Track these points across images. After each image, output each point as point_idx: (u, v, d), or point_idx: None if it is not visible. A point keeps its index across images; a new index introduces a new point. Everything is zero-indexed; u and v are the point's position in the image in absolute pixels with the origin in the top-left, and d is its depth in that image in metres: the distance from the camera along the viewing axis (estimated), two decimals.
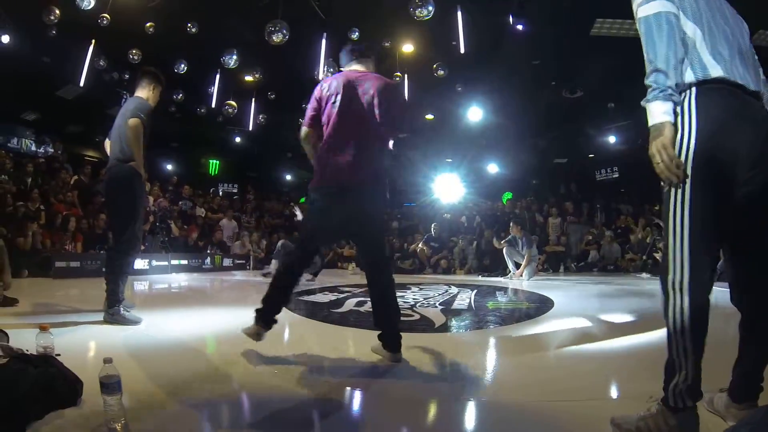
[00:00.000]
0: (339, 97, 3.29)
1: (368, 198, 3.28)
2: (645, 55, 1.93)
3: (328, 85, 3.39)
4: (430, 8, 8.12)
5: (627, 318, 5.39)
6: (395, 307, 3.42)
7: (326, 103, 3.35)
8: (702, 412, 2.00)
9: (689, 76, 1.91)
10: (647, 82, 1.91)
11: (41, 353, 2.54)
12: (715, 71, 1.88)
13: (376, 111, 3.29)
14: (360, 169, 3.22)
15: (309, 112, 3.46)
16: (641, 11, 1.95)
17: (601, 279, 10.79)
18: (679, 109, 1.92)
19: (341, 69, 3.62)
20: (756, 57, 2.08)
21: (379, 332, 3.35)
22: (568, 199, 16.15)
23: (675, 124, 1.90)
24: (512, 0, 9.23)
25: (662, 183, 1.94)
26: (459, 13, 9.35)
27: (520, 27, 9.49)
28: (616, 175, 18.17)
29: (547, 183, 18.86)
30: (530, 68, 12.25)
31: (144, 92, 4.74)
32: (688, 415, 1.92)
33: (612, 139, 16.36)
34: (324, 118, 3.37)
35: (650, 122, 1.90)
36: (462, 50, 9.83)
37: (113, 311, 4.30)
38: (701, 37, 1.92)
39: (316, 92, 3.44)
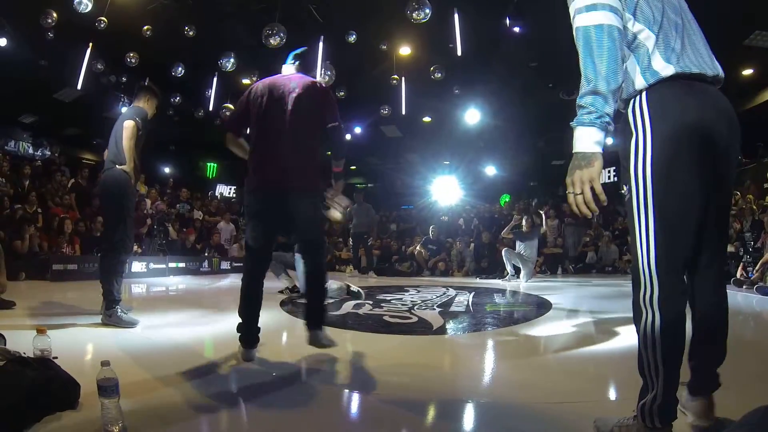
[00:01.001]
0: (265, 99, 3.35)
1: (297, 194, 3.31)
2: (582, 69, 1.75)
3: (255, 88, 3.46)
4: (427, 11, 8.14)
5: (624, 320, 5.39)
6: (323, 287, 3.56)
7: (254, 106, 3.40)
8: (680, 420, 1.94)
9: (640, 83, 1.82)
10: (582, 101, 1.74)
11: (38, 356, 2.54)
12: (668, 71, 1.78)
13: (304, 108, 3.35)
14: (287, 168, 3.27)
15: (232, 115, 3.68)
16: (580, 20, 1.77)
17: (599, 281, 10.81)
18: (630, 113, 1.85)
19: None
20: (699, 28, 1.95)
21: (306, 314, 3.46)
22: (565, 200, 16.13)
23: (628, 131, 1.84)
24: (509, 2, 9.25)
25: (622, 190, 1.90)
26: (456, 16, 9.37)
27: (517, 29, 9.51)
28: (614, 177, 18.18)
29: (545, 185, 18.88)
30: (527, 70, 12.28)
31: (140, 103, 4.84)
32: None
33: (609, 140, 16.36)
34: (252, 120, 3.44)
35: (577, 148, 1.75)
36: (459, 52, 9.85)
37: (110, 312, 4.31)
38: (654, 41, 1.80)
39: (243, 97, 3.52)
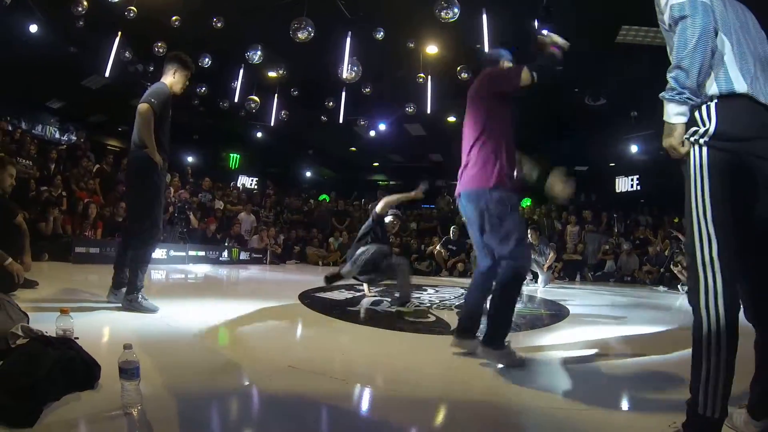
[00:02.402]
0: None
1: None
2: (674, 43, 1.93)
3: None
4: (456, 10, 8.08)
5: (640, 330, 5.33)
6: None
7: None
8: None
9: (713, 89, 1.90)
10: (668, 76, 1.94)
11: (61, 336, 2.57)
12: (741, 86, 1.87)
13: None
14: None
15: None
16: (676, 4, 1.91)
17: (618, 290, 10.68)
18: (697, 114, 1.93)
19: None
20: None
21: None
22: (587, 207, 16.02)
23: (695, 122, 1.93)
24: (539, 4, 9.17)
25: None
26: (484, 16, 9.31)
27: (545, 32, 9.42)
28: (637, 185, 17.99)
29: None
30: (554, 73, 12.16)
31: (167, 78, 4.66)
32: None
33: (633, 148, 16.20)
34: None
35: (665, 118, 1.97)
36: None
37: (131, 298, 4.33)
38: (730, 49, 1.90)
39: None
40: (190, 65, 4.76)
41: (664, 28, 2.04)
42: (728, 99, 1.88)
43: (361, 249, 5.89)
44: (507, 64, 3.66)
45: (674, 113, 1.93)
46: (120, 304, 4.41)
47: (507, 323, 3.30)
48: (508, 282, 3.26)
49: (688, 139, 1.94)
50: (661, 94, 1.96)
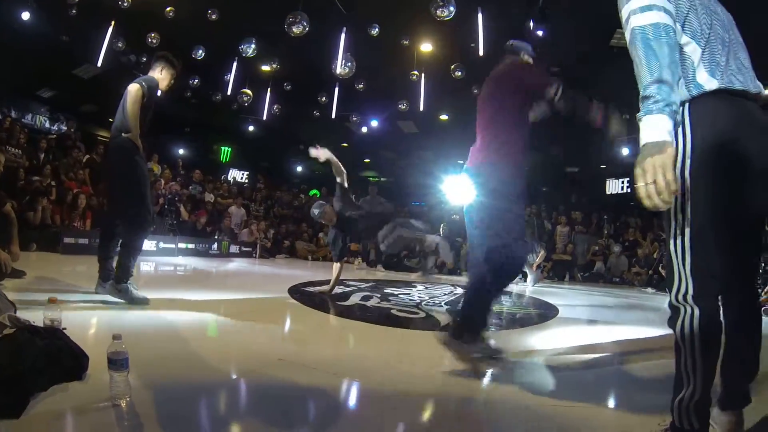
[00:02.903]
0: None
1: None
2: (642, 66, 1.72)
3: None
4: (452, 9, 8.09)
5: (627, 330, 5.36)
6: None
7: None
8: None
9: (683, 95, 1.82)
10: (647, 92, 1.68)
11: (48, 326, 2.55)
12: (712, 85, 1.80)
13: None
14: None
15: None
16: (635, 20, 1.75)
17: (607, 290, 10.74)
18: (679, 121, 1.83)
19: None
20: (744, 45, 1.98)
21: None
22: (577, 208, 16.10)
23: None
24: (534, 5, 9.19)
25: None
26: (480, 15, 9.32)
27: (540, 33, 9.44)
28: (627, 188, 18.08)
29: (557, 191, 18.79)
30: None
31: (154, 73, 4.64)
32: None
33: (625, 150, 16.26)
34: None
35: (647, 138, 1.66)
36: (481, 53, 9.80)
37: (121, 287, 4.23)
38: (700, 54, 1.83)
39: None
40: (176, 65, 4.75)
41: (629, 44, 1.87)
42: (700, 100, 1.82)
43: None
44: (527, 58, 3.67)
45: (666, 129, 1.63)
46: (109, 296, 4.29)
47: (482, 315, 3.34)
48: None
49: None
50: (642, 112, 1.70)
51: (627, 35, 1.81)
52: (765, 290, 7.85)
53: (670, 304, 1.91)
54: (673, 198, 1.63)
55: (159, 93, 4.74)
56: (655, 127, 1.65)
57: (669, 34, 1.71)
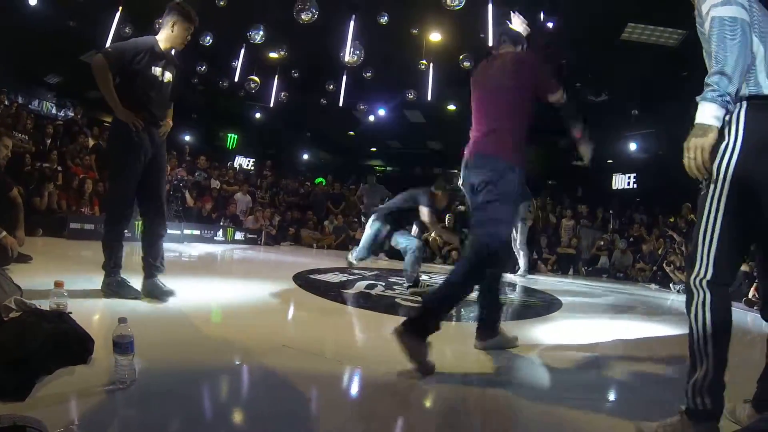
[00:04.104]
0: None
1: None
2: (713, 54, 1.90)
3: None
4: None
5: (631, 325, 5.36)
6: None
7: None
8: (724, 423, 2.02)
9: (743, 90, 1.92)
10: (709, 80, 1.89)
11: (54, 309, 2.55)
12: None
13: None
14: None
15: None
16: (716, 11, 1.91)
17: (610, 285, 10.71)
18: (727, 118, 1.93)
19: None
20: None
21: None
22: (583, 202, 16.06)
23: (721, 133, 1.92)
24: None
25: (700, 185, 2.00)
26: (490, 5, 9.25)
27: (550, 24, 9.39)
28: (633, 183, 18.02)
29: (563, 184, 18.73)
30: (557, 67, 12.13)
31: (164, 32, 4.05)
32: (709, 428, 1.95)
33: (632, 146, 16.21)
34: None
35: (698, 120, 1.91)
36: (490, 43, 9.72)
37: (108, 281, 3.94)
38: (763, 54, 1.93)
39: None
40: (192, 17, 4.08)
41: (702, 32, 2.05)
42: (758, 102, 1.91)
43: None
44: (525, 51, 3.62)
45: (713, 115, 1.87)
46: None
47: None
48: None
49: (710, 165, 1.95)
50: (700, 97, 1.91)
51: (706, 23, 1.96)
52: (753, 287, 7.86)
53: (687, 287, 2.02)
54: (706, 172, 1.92)
55: (174, 51, 4.14)
56: (706, 112, 1.89)
57: (744, 29, 1.87)
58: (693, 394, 1.95)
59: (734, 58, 1.84)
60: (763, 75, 1.91)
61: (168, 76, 4.05)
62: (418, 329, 2.80)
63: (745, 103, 1.92)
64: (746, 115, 1.91)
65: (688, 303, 2.00)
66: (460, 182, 3.42)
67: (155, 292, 3.97)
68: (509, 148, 3.18)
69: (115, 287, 3.91)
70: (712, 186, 1.94)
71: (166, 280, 4.10)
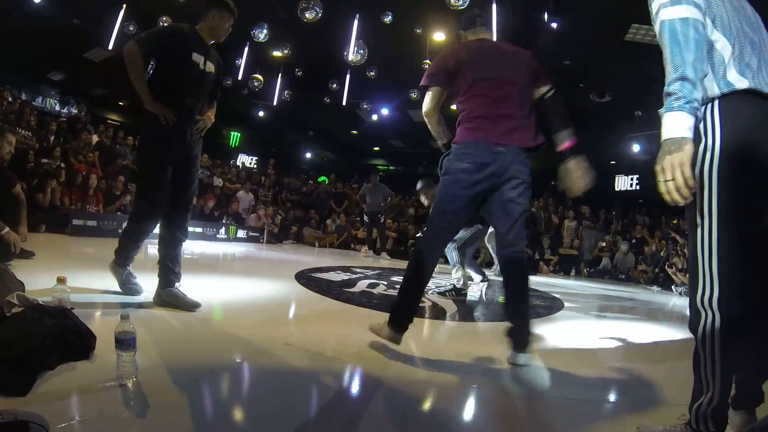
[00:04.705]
0: None
1: None
2: (668, 60, 1.73)
3: None
4: None
5: (632, 326, 5.35)
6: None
7: None
8: None
9: (712, 90, 1.80)
10: (670, 89, 1.70)
11: (56, 305, 2.55)
12: (742, 84, 1.78)
13: None
14: None
15: None
16: (665, 13, 1.76)
17: (612, 287, 10.72)
18: (700, 121, 1.81)
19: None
20: None
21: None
22: (585, 203, 16.05)
23: (697, 136, 1.77)
24: None
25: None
26: (494, 5, 9.24)
27: (554, 25, 9.38)
28: (636, 185, 18.00)
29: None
30: (560, 68, 12.11)
31: (203, 24, 3.83)
32: None
33: (635, 147, 16.19)
34: None
35: (667, 135, 1.70)
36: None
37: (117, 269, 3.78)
38: (730, 52, 1.81)
39: None
40: (234, 10, 3.90)
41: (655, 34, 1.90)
42: (730, 98, 1.79)
43: None
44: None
45: (685, 126, 1.66)
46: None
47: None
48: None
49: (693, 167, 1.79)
50: (663, 109, 1.72)
51: (656, 27, 1.81)
52: None
53: (692, 308, 1.85)
54: (691, 193, 1.67)
55: (213, 42, 3.88)
56: (675, 124, 1.68)
57: (698, 29, 1.71)
58: (696, 418, 1.85)
59: (692, 62, 1.68)
60: (733, 72, 1.79)
61: (211, 66, 3.77)
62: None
63: (717, 101, 1.79)
64: (720, 113, 1.78)
65: (694, 324, 1.84)
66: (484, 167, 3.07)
67: (177, 304, 3.60)
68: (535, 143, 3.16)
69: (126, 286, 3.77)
70: (699, 193, 1.79)
71: None
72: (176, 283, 3.73)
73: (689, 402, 1.91)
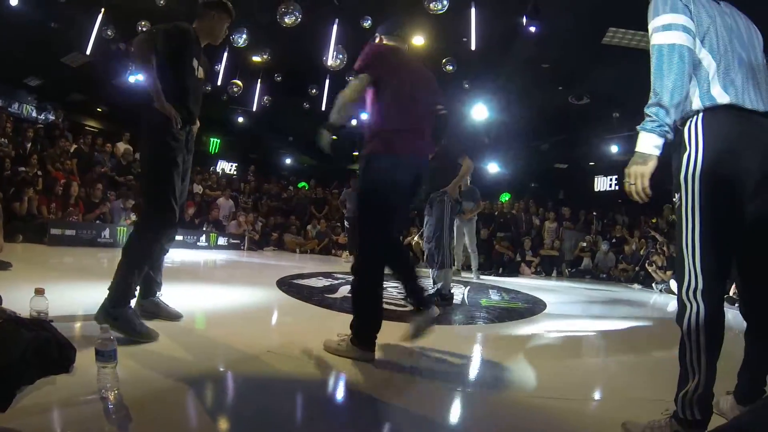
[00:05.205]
0: None
1: None
2: (652, 83, 1.99)
3: None
4: (445, 2, 8.09)
5: (614, 324, 5.41)
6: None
7: None
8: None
9: (697, 104, 2.00)
10: (648, 111, 1.99)
11: (35, 317, 2.52)
12: (724, 99, 1.96)
13: None
14: None
15: None
16: (656, 38, 2.00)
17: (593, 286, 10.83)
18: (685, 131, 2.02)
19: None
20: None
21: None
22: (565, 204, 16.19)
23: (681, 144, 2.01)
24: (527, 1, 9.19)
25: (674, 198, 2.07)
26: (473, 10, 9.30)
27: (533, 29, 9.45)
28: (615, 185, 18.18)
29: (546, 187, 18.85)
30: (539, 71, 12.21)
31: (199, 25, 3.53)
32: None
33: (614, 148, 16.35)
34: None
35: (639, 149, 2.02)
36: (473, 47, 9.77)
37: (116, 314, 2.89)
38: (715, 69, 1.99)
39: None
40: (232, 11, 3.63)
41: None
42: (713, 111, 1.98)
43: None
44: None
45: (653, 145, 1.99)
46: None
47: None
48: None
49: (678, 177, 2.04)
50: (640, 126, 2.02)
51: (650, 48, 2.04)
52: (733, 285, 7.99)
53: (679, 300, 2.05)
54: (647, 196, 2.04)
55: (207, 44, 3.63)
56: (646, 142, 2.00)
57: (683, 55, 1.95)
58: (683, 406, 1.99)
59: (670, 90, 1.93)
60: (717, 87, 1.98)
61: (201, 72, 3.54)
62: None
63: (701, 114, 2.00)
64: (703, 125, 1.98)
65: (680, 316, 2.04)
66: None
67: (159, 313, 3.50)
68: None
69: (127, 326, 2.91)
70: (684, 197, 2.02)
71: None
72: (158, 293, 3.65)
73: (673, 397, 2.04)
